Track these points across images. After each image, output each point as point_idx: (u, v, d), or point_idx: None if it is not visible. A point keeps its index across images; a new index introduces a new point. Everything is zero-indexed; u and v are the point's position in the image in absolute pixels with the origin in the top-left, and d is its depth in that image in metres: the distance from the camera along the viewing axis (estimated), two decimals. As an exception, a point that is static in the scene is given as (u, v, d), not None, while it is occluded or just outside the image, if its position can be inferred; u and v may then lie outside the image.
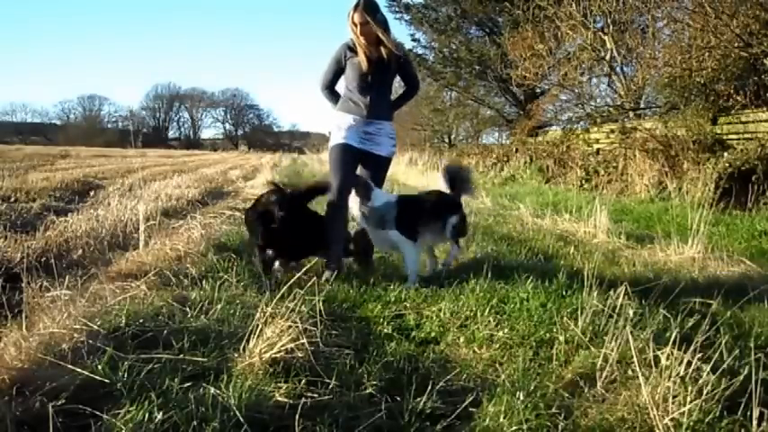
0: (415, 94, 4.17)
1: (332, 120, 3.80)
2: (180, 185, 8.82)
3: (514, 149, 15.04)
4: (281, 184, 3.84)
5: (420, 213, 3.69)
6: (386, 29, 3.60)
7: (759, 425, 1.68)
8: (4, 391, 1.85)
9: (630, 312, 2.28)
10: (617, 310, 2.26)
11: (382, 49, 3.62)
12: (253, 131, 68.23)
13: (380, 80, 3.70)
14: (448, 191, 3.87)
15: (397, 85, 4.17)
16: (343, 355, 2.30)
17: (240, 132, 68.78)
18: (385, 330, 2.72)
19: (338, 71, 3.78)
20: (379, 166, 3.79)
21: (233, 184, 11.12)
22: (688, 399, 1.78)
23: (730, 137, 8.22)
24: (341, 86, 3.89)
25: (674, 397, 1.81)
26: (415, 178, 13.89)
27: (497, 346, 2.47)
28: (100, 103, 64.75)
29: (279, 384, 1.99)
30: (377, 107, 3.70)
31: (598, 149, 11.39)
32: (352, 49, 3.67)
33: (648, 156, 8.86)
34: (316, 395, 1.94)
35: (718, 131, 8.39)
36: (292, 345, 2.20)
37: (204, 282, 3.17)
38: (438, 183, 3.96)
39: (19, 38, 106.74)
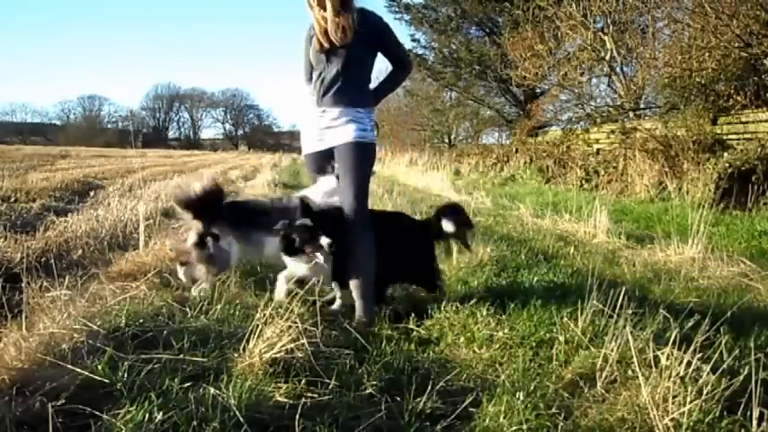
0: (403, 74, 3.32)
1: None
2: (180, 186, 8.81)
3: (514, 150, 15.04)
4: None
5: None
6: None
7: (759, 425, 1.68)
8: (4, 391, 1.85)
9: (630, 312, 2.27)
10: (617, 310, 2.25)
11: (339, 21, 2.86)
12: (253, 132, 68.26)
13: (342, 60, 2.93)
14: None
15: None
16: (343, 355, 2.30)
17: (240, 132, 68.83)
18: (385, 330, 2.72)
19: (309, 58, 3.11)
20: (345, 157, 2.93)
21: (233, 185, 11.12)
22: (688, 399, 1.78)
23: (730, 137, 8.23)
24: None
25: (674, 397, 1.80)
26: (414, 178, 13.89)
27: (497, 346, 2.47)
28: (100, 103, 64.88)
29: (279, 384, 1.99)
30: (334, 92, 2.95)
31: (598, 150, 11.39)
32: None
33: (648, 156, 8.86)
34: (316, 395, 1.94)
35: (718, 131, 8.39)
36: (292, 345, 2.20)
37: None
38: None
39: (19, 38, 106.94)
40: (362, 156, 2.96)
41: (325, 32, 2.90)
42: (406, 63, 3.26)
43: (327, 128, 2.98)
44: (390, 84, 3.28)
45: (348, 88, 2.98)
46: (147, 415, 1.71)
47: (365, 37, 2.94)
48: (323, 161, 3.05)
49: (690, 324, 2.40)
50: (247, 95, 70.64)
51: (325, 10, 2.86)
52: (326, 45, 2.91)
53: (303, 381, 2.03)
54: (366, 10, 2.99)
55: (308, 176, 3.37)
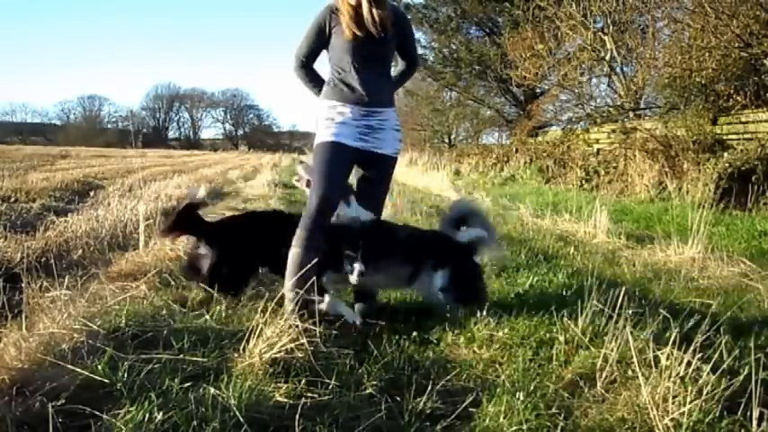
0: (412, 73, 3.22)
1: (320, 112, 2.87)
2: (180, 186, 8.82)
3: (514, 150, 15.04)
4: None
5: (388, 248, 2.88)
6: None
7: (759, 425, 1.68)
8: (4, 391, 1.85)
9: (630, 312, 2.27)
10: (617, 310, 2.25)
11: (374, 12, 2.66)
12: (253, 132, 68.29)
13: (379, 54, 2.80)
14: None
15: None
16: (343, 355, 2.30)
17: (240, 132, 68.86)
18: (385, 330, 2.72)
19: (320, 43, 2.83)
20: (383, 169, 2.92)
21: (233, 185, 11.14)
22: (688, 399, 1.78)
23: (730, 137, 8.23)
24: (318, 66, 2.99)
25: (674, 397, 1.80)
26: (415, 178, 13.90)
27: (497, 346, 2.46)
28: (100, 103, 64.96)
29: (279, 384, 1.99)
30: (379, 90, 2.81)
31: (598, 150, 11.39)
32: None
33: (648, 156, 8.86)
34: (316, 395, 1.94)
35: (719, 132, 8.39)
36: (292, 345, 2.20)
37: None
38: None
39: (19, 38, 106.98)
40: (393, 169, 3.02)
41: (359, 21, 2.68)
42: (417, 61, 3.22)
43: (374, 128, 2.83)
44: (404, 79, 3.22)
45: (389, 88, 2.96)
46: (147, 415, 1.71)
47: (396, 32, 2.81)
48: (349, 159, 2.84)
49: (690, 324, 2.40)
50: (247, 95, 71.11)
51: (364, 3, 2.67)
52: (361, 35, 2.69)
53: (303, 381, 2.03)
54: (390, 3, 2.86)
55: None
